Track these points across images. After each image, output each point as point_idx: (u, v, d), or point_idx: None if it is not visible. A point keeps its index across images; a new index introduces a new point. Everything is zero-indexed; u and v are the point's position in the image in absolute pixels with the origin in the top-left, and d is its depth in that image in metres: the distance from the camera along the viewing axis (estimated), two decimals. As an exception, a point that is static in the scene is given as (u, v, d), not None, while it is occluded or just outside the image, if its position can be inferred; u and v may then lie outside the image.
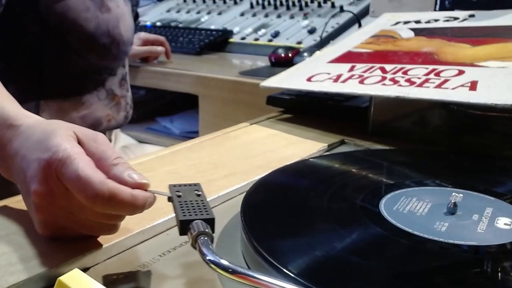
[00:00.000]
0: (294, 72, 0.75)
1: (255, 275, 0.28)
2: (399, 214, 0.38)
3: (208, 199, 0.45)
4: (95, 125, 0.81)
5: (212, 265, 0.29)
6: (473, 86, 0.53)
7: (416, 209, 0.39)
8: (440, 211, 0.39)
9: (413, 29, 0.78)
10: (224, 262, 0.29)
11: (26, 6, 0.71)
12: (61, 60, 0.76)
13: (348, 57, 0.73)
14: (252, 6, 1.60)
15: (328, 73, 0.68)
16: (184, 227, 0.33)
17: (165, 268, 0.35)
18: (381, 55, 0.71)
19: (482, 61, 0.59)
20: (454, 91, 0.53)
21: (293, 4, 1.53)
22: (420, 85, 0.57)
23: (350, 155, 0.56)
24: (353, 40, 0.81)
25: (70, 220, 0.36)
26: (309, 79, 0.68)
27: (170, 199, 0.36)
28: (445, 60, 0.63)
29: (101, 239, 0.37)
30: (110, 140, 0.88)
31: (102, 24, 0.75)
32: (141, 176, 0.36)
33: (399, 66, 0.64)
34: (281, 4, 1.56)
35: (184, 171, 0.53)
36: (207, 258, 0.30)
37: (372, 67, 0.66)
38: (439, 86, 0.55)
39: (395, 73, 0.62)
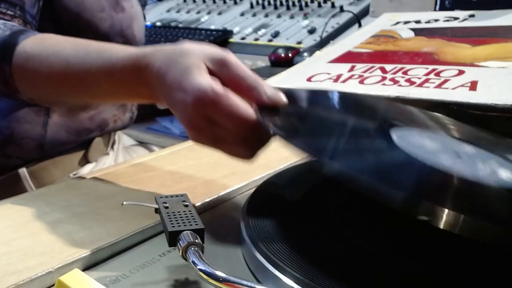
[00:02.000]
0: (294, 72, 0.75)
1: (250, 284, 0.28)
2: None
3: (208, 199, 0.45)
4: (102, 126, 0.81)
5: (204, 276, 0.29)
6: (473, 86, 0.53)
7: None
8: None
9: (413, 29, 0.78)
10: (216, 272, 0.29)
11: (42, 7, 0.71)
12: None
13: (348, 57, 0.73)
14: (252, 6, 1.60)
15: (328, 73, 0.68)
16: (173, 238, 0.33)
17: (165, 268, 0.35)
18: (381, 55, 0.71)
19: (482, 61, 0.59)
20: (454, 91, 0.53)
21: (293, 4, 1.53)
22: (420, 85, 0.57)
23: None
24: (353, 40, 0.80)
25: (215, 143, 0.43)
26: (309, 79, 0.68)
27: (157, 210, 0.36)
28: (445, 60, 0.63)
29: (101, 239, 0.37)
30: (114, 142, 0.88)
31: (117, 24, 0.75)
32: (276, 93, 0.41)
33: (399, 66, 0.64)
34: (281, 4, 1.56)
35: (184, 171, 0.53)
36: (198, 268, 0.30)
37: (372, 67, 0.66)
38: (439, 86, 0.55)
39: (395, 73, 0.62)
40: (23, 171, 0.74)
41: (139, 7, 0.82)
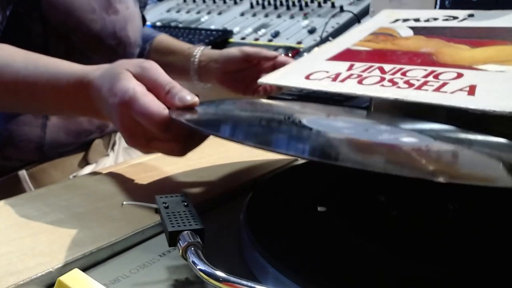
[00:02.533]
0: (292, 69, 0.75)
1: (250, 284, 0.28)
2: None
3: (208, 199, 0.45)
4: (101, 128, 0.80)
5: (204, 276, 0.29)
6: (471, 90, 0.53)
7: None
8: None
9: (412, 28, 0.78)
10: (216, 272, 0.29)
11: (29, 5, 0.71)
12: (66, 60, 0.76)
13: (346, 55, 0.73)
14: (252, 6, 1.60)
15: (327, 71, 0.68)
16: (173, 238, 0.33)
17: (165, 268, 0.36)
18: (380, 54, 0.71)
19: (481, 64, 0.59)
20: (453, 96, 0.53)
21: (293, 4, 1.53)
22: (419, 87, 0.57)
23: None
24: (351, 37, 0.80)
25: (149, 143, 0.47)
26: (307, 77, 0.68)
27: (157, 210, 0.36)
28: (444, 62, 0.63)
29: (101, 239, 0.38)
30: (114, 143, 0.88)
31: (109, 26, 0.74)
32: (188, 98, 0.45)
33: (398, 66, 0.64)
34: (281, 4, 1.56)
35: (184, 171, 0.53)
36: (198, 268, 0.30)
37: (371, 66, 0.66)
38: (437, 89, 0.55)
39: (394, 73, 0.62)
40: (22, 173, 0.74)
41: (135, 9, 0.81)
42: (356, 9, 1.41)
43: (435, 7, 1.27)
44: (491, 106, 0.49)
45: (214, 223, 0.42)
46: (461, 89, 0.54)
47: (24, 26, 0.72)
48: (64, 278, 0.27)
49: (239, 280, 0.28)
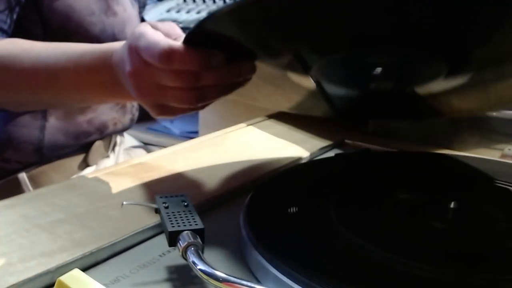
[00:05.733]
0: None
1: (250, 284, 0.28)
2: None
3: (208, 199, 0.45)
4: (101, 129, 0.80)
5: (204, 276, 0.29)
6: None
7: None
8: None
9: None
10: (216, 272, 0.29)
11: (29, 8, 0.71)
12: None
13: None
14: (252, 6, 1.60)
15: None
16: (173, 238, 0.33)
17: (165, 268, 0.35)
18: None
19: None
20: None
21: (293, 4, 1.53)
22: None
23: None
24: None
25: (159, 92, 0.45)
26: None
27: (157, 210, 0.36)
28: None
29: (100, 239, 0.38)
30: (115, 144, 0.88)
31: (108, 28, 0.75)
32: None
33: None
34: (281, 4, 1.56)
35: (184, 171, 0.53)
36: (198, 268, 0.30)
37: None
38: None
39: None
40: (22, 176, 0.74)
41: (133, 10, 0.81)
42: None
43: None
44: None
45: (214, 223, 0.42)
46: None
47: (24, 29, 0.72)
48: (64, 278, 0.27)
49: (239, 280, 0.28)
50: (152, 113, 0.48)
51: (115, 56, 0.49)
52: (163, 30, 0.45)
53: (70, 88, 0.56)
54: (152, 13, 1.78)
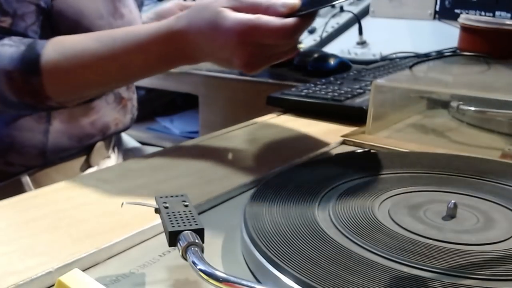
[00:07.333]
0: None
1: (250, 284, 0.28)
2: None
3: (208, 199, 0.45)
4: (104, 131, 0.80)
5: (204, 276, 0.29)
6: None
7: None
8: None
9: None
10: (216, 272, 0.29)
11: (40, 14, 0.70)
12: None
13: None
14: (252, 6, 1.60)
15: None
16: (173, 238, 0.33)
17: (165, 268, 0.36)
18: None
19: None
20: None
21: (293, 4, 1.53)
22: None
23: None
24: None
25: (269, 60, 0.55)
26: None
27: (157, 210, 0.36)
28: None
29: (100, 239, 0.38)
30: (115, 144, 0.88)
31: None
32: (288, 1, 0.52)
33: None
34: (281, 4, 1.56)
35: (184, 171, 0.53)
36: (198, 268, 0.30)
37: None
38: None
39: None
40: (25, 177, 0.74)
41: (137, 11, 0.82)
42: (356, 9, 1.41)
43: (435, 7, 1.27)
44: None
45: (214, 223, 0.42)
46: None
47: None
48: (64, 278, 0.27)
49: (239, 280, 0.28)
50: (244, 71, 0.55)
51: (188, 37, 0.54)
52: (248, 11, 0.52)
53: (137, 70, 0.61)
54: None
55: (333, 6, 1.33)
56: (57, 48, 0.60)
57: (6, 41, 0.61)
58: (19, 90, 0.60)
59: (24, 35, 0.64)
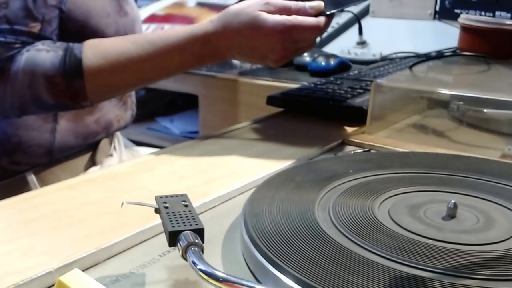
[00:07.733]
0: None
1: (250, 284, 0.28)
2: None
3: (208, 199, 0.45)
4: (107, 128, 0.81)
5: (204, 276, 0.29)
6: None
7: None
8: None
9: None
10: (216, 272, 0.29)
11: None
12: None
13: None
14: (252, 6, 1.60)
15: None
16: (173, 238, 0.33)
17: (165, 268, 0.36)
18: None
19: None
20: None
21: (293, 4, 1.53)
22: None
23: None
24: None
25: (296, 53, 0.65)
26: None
27: (157, 210, 0.36)
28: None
29: (100, 239, 0.38)
30: (116, 142, 0.88)
31: (121, 29, 0.75)
32: (315, 4, 0.61)
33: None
34: (281, 4, 1.56)
35: (184, 171, 0.53)
36: (198, 268, 0.30)
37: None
38: None
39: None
40: (30, 175, 0.74)
41: (137, 9, 0.83)
42: (356, 9, 1.41)
43: (435, 7, 1.27)
44: None
45: (214, 223, 0.42)
46: None
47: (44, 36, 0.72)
48: (64, 278, 0.27)
49: (239, 280, 0.28)
50: (274, 65, 0.63)
51: (226, 39, 0.61)
52: (280, 13, 0.60)
53: (174, 70, 0.66)
54: (150, 12, 1.78)
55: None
56: (95, 52, 0.63)
57: (40, 45, 0.62)
58: (60, 93, 0.62)
59: (50, 39, 0.66)
